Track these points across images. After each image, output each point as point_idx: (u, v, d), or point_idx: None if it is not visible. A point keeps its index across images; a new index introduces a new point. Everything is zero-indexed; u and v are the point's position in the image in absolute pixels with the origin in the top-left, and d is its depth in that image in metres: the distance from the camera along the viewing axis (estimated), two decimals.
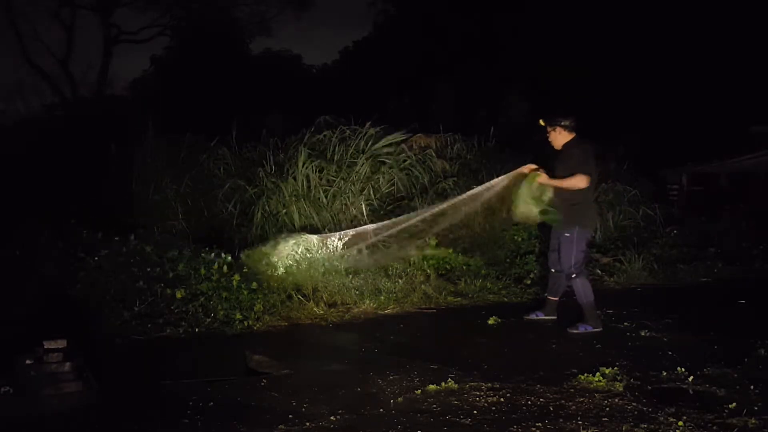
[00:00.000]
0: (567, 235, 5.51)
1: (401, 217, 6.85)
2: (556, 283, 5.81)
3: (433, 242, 7.16)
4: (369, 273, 6.71)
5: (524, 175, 5.83)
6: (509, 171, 6.14)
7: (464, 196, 6.58)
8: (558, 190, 5.57)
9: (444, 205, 6.72)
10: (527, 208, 5.75)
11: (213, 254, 6.13)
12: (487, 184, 6.38)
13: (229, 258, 6.08)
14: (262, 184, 8.27)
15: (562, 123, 5.59)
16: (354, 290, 6.40)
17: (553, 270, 5.78)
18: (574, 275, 5.53)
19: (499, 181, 6.18)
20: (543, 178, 5.62)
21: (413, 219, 6.70)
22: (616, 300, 6.64)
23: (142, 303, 5.50)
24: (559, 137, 5.62)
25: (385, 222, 6.91)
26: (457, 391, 4.08)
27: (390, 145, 8.92)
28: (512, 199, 5.96)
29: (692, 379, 4.28)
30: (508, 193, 6.11)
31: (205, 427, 3.54)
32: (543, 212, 5.71)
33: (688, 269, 8.20)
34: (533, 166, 5.79)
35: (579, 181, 5.39)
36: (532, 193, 5.72)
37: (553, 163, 5.66)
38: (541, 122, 5.72)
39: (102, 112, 13.64)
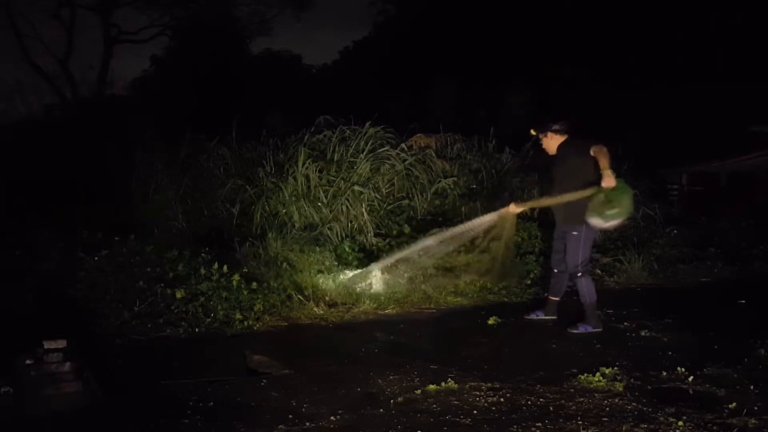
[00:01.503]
0: (575, 233, 5.45)
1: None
2: (557, 283, 5.80)
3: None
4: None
5: (512, 215, 5.71)
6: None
7: (453, 230, 6.35)
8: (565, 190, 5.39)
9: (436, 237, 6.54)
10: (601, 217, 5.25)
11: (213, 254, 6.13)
12: (474, 222, 6.11)
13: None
14: (262, 184, 8.27)
15: (553, 128, 5.55)
16: (354, 290, 6.39)
17: (555, 270, 5.76)
18: (579, 274, 5.50)
19: (486, 220, 5.97)
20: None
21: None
22: (616, 300, 6.64)
23: (142, 303, 5.50)
24: (552, 142, 5.59)
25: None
26: (457, 391, 4.08)
27: (389, 145, 8.93)
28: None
29: (692, 379, 4.28)
30: (498, 230, 5.93)
31: (205, 427, 3.54)
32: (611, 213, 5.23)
33: (688, 269, 8.19)
34: (518, 209, 5.72)
35: (603, 154, 5.08)
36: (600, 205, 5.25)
37: (552, 170, 5.62)
38: (533, 132, 5.67)
39: (102, 112, 13.62)
